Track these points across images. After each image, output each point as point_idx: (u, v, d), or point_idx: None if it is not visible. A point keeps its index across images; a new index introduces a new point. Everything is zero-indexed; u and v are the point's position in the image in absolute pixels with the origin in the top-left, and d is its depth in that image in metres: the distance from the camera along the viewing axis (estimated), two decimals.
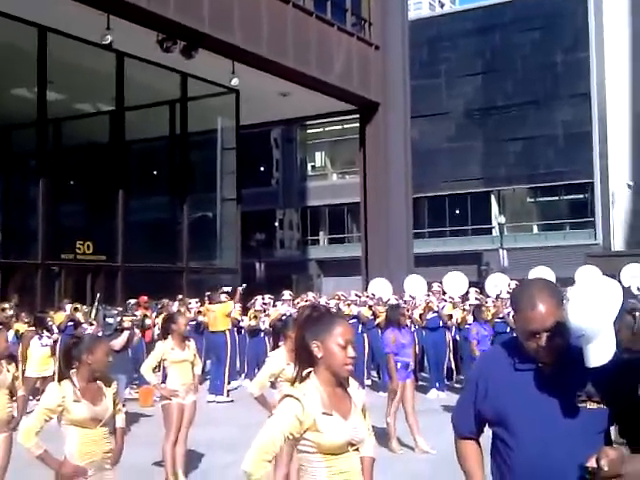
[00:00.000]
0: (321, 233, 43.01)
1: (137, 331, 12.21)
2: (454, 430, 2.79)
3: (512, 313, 2.71)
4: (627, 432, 2.51)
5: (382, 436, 8.31)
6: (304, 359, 3.00)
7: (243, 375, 14.69)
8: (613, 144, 40.30)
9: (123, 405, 5.28)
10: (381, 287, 17.30)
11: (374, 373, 14.87)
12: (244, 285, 15.09)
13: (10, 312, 11.26)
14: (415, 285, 17.35)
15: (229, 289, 14.36)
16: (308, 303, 12.22)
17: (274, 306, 15.54)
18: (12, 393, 5.94)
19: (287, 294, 15.81)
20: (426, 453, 8.55)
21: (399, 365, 8.84)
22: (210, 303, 13.79)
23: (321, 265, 40.76)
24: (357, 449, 2.98)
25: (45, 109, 17.36)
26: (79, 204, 20.51)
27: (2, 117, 18.17)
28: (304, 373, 2.99)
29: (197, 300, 15.62)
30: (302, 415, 2.82)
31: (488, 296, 15.87)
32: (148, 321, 13.40)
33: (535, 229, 41.62)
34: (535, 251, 35.76)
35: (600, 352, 2.30)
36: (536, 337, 2.43)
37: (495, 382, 2.58)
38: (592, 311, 2.28)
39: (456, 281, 17.41)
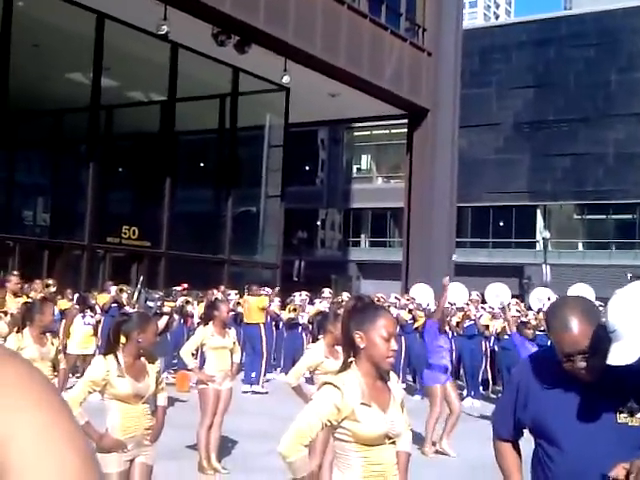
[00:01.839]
0: (363, 235, 42.97)
1: (176, 317, 12.36)
2: (493, 432, 2.75)
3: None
4: None
5: (415, 438, 8.27)
6: (347, 348, 3.02)
7: (279, 369, 14.79)
8: None
9: None
10: (422, 292, 17.17)
11: (409, 377, 14.84)
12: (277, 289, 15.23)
13: (54, 289, 11.48)
14: (455, 293, 17.17)
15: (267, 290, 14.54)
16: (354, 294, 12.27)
17: (311, 303, 15.61)
18: (55, 366, 6.06)
19: (327, 292, 15.89)
20: (446, 455, 8.55)
21: (436, 369, 8.82)
22: (249, 294, 13.94)
23: (361, 267, 40.71)
24: (393, 442, 2.98)
25: (99, 95, 17.65)
26: (127, 190, 20.85)
27: (55, 101, 18.52)
28: (346, 363, 3.01)
29: (236, 292, 15.76)
30: (341, 403, 2.83)
31: (530, 309, 15.70)
32: (189, 307, 13.56)
33: (580, 246, 41.01)
34: (579, 268, 35.28)
35: (623, 353, 2.21)
36: (571, 360, 2.36)
37: (536, 391, 2.52)
38: (630, 311, 2.22)
39: (498, 292, 17.19)
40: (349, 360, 2.99)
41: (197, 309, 14.03)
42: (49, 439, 0.67)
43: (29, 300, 7.68)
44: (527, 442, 2.67)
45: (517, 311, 14.41)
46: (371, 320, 2.93)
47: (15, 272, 11.09)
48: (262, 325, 13.60)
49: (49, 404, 0.70)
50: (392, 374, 3.13)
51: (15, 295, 9.46)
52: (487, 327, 14.24)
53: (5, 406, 0.67)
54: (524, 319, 13.46)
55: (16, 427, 0.67)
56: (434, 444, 8.78)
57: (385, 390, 3.00)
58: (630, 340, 2.22)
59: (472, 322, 14.07)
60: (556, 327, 2.39)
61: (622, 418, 2.38)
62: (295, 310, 14.84)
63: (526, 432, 2.68)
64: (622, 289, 2.31)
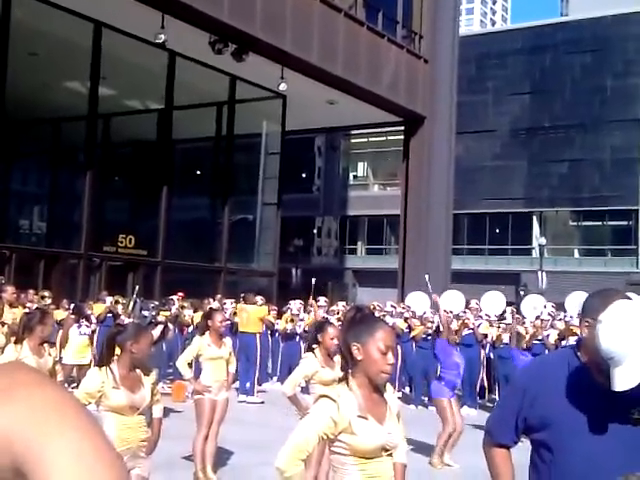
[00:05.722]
0: (359, 243, 42.96)
1: (171, 326, 12.33)
2: (489, 436, 2.68)
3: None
4: None
5: (418, 448, 8.28)
6: (345, 359, 3.02)
7: (275, 378, 14.74)
8: None
9: None
10: (418, 300, 17.13)
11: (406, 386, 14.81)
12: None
13: (49, 301, 11.43)
14: (451, 301, 17.13)
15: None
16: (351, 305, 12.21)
17: (306, 312, 15.56)
18: (52, 377, 6.04)
19: (322, 300, 15.84)
20: (448, 466, 8.49)
21: (443, 383, 8.78)
22: (245, 303, 13.87)
23: (357, 275, 40.68)
24: (390, 454, 2.98)
25: (96, 104, 17.65)
26: (123, 199, 20.84)
27: (53, 110, 18.52)
28: (342, 375, 3.01)
29: (232, 301, 15.70)
30: (337, 416, 2.82)
31: (524, 317, 15.67)
32: (186, 312, 13.48)
33: (576, 253, 41.06)
34: (575, 275, 35.28)
35: (627, 377, 2.22)
36: None
37: (545, 391, 2.50)
38: (624, 334, 2.20)
39: (494, 300, 17.18)
40: (346, 372, 2.99)
41: (193, 317, 13.95)
42: (82, 458, 0.69)
43: (28, 310, 7.65)
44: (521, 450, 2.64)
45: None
46: (369, 332, 2.92)
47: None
48: (258, 335, 13.56)
49: (83, 427, 0.72)
50: (388, 385, 3.13)
51: (11, 306, 9.43)
52: (485, 336, 14.18)
53: (42, 432, 0.70)
54: (520, 327, 13.47)
55: (53, 451, 0.69)
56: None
57: (381, 402, 2.99)
58: (631, 364, 2.21)
59: (470, 331, 13.99)
60: None
61: (633, 419, 2.37)
62: (292, 321, 14.79)
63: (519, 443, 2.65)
64: (606, 314, 2.29)
